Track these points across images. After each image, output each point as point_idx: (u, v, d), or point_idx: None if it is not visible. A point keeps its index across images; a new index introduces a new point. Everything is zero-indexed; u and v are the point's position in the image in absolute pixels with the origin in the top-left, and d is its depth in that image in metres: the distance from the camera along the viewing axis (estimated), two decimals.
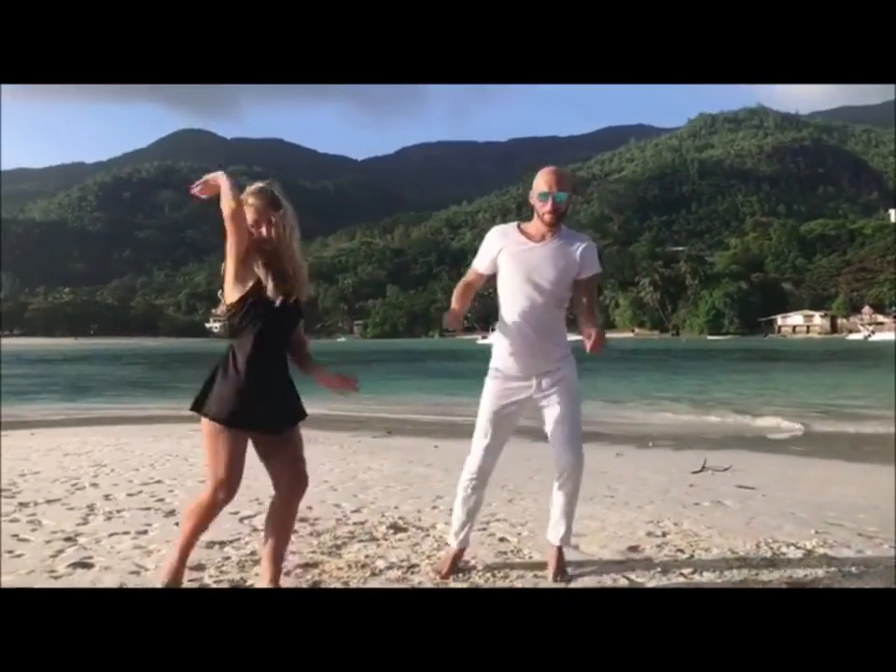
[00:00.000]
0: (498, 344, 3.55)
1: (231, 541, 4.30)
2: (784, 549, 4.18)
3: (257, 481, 6.36)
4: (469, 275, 3.61)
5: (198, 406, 3.05)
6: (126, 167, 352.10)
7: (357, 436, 10.72)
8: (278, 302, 3.01)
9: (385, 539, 4.38)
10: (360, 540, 4.34)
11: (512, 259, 3.44)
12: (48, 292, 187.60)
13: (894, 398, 15.00)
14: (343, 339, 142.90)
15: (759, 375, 28.85)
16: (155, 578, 3.43)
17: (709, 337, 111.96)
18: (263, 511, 5.17)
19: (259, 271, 3.02)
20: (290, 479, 3.26)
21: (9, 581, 3.49)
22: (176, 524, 4.71)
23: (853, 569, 3.78)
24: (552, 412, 3.50)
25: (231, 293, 3.06)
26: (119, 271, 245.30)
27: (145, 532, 4.50)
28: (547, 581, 3.56)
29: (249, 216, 3.03)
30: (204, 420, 3.05)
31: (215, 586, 3.52)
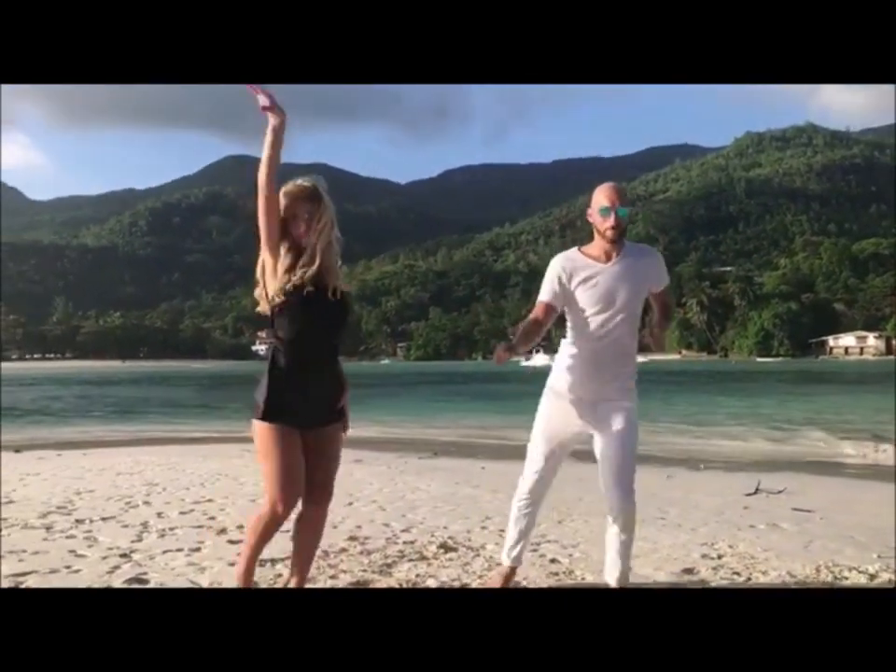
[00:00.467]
0: (562, 366, 3.41)
1: (283, 559, 4.31)
2: (846, 573, 4.06)
3: None
4: (538, 312, 3.35)
5: (257, 413, 3.01)
6: (175, 193, 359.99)
7: (403, 457, 10.72)
8: (315, 295, 2.94)
9: (436, 559, 4.36)
10: (410, 560, 4.33)
11: (584, 285, 3.29)
12: (99, 316, 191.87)
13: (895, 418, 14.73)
14: (386, 361, 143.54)
15: (818, 397, 28.22)
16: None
17: (759, 359, 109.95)
18: None
19: (287, 261, 2.97)
20: (322, 482, 3.15)
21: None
22: (229, 541, 4.76)
23: None
24: (606, 443, 3.33)
25: (271, 286, 3.00)
26: (168, 294, 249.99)
27: (198, 549, 4.55)
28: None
29: (283, 206, 2.97)
30: (259, 426, 3.01)
31: None
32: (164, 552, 4.46)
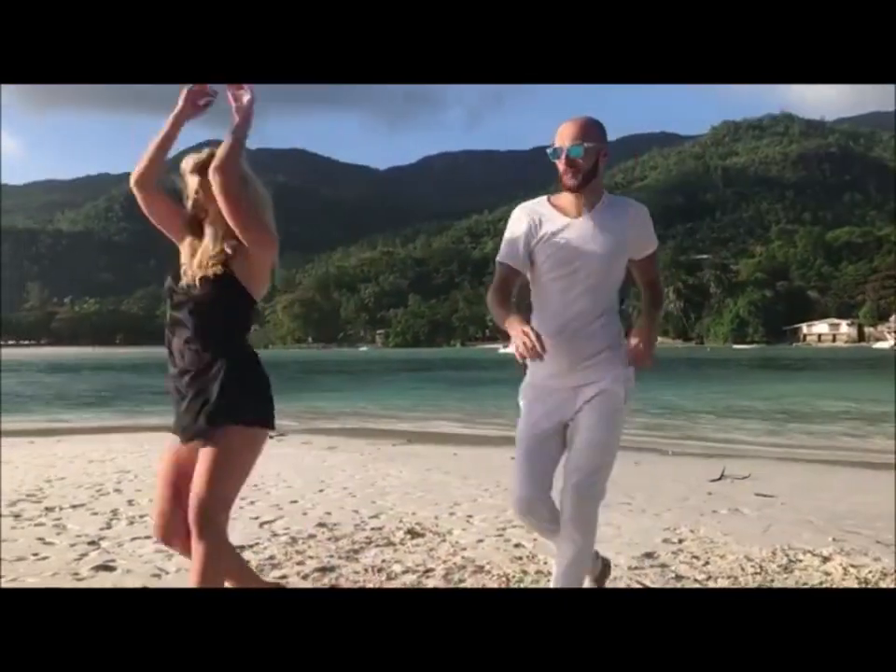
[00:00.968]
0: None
1: (251, 546, 4.37)
2: (801, 556, 4.18)
3: (276, 487, 6.48)
4: (499, 277, 2.77)
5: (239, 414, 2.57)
6: None
7: (376, 444, 10.78)
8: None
9: (402, 544, 4.43)
10: (377, 545, 4.39)
11: (547, 242, 2.70)
12: (74, 302, 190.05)
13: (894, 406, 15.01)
14: (364, 348, 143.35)
15: (787, 384, 28.61)
16: (176, 581, 3.50)
17: (734, 346, 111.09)
18: (283, 515, 5.26)
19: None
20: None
21: (34, 583, 3.58)
22: None
23: (869, 576, 3.78)
24: (573, 434, 2.78)
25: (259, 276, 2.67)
26: (144, 280, 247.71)
27: None
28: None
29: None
30: (242, 431, 2.58)
31: None
32: (133, 539, 4.49)
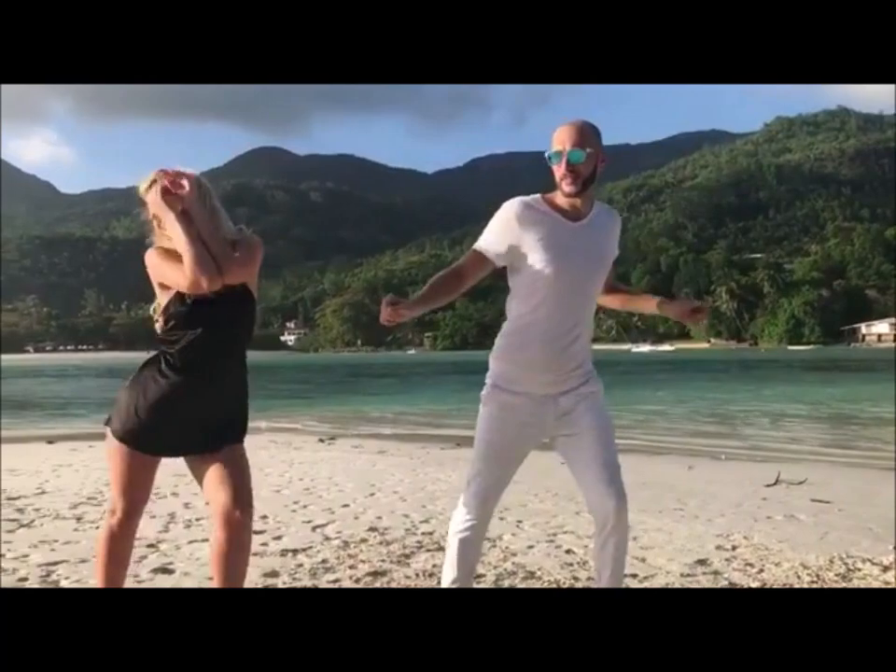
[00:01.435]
0: (506, 354, 2.73)
1: (304, 549, 4.44)
2: (859, 564, 4.10)
3: (328, 491, 6.56)
4: (465, 262, 2.69)
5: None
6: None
7: (425, 447, 10.83)
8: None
9: None
10: (428, 550, 4.42)
11: (542, 243, 2.59)
12: (130, 308, 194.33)
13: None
14: (412, 351, 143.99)
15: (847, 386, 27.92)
16: None
17: (789, 347, 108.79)
18: (335, 519, 5.33)
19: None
20: None
21: (97, 585, 3.69)
22: (253, 531, 4.89)
23: None
24: (579, 442, 2.69)
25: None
26: None
27: None
28: None
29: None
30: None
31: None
32: (190, 542, 4.60)
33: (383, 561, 4.18)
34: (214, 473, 2.69)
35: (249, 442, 2.89)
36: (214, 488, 2.69)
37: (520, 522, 5.28)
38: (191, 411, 2.67)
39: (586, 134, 2.59)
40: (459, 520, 2.84)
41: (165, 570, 3.99)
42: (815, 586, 3.70)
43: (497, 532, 4.93)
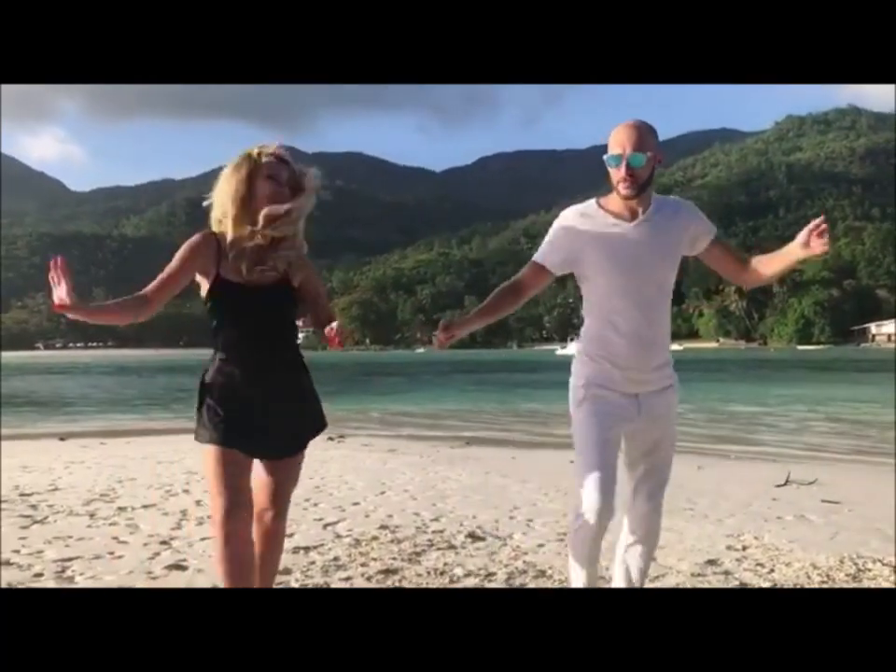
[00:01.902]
0: (592, 355, 2.73)
1: (316, 547, 4.46)
2: (869, 564, 4.10)
3: (338, 489, 6.59)
4: (525, 274, 2.76)
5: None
6: (213, 182, 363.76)
7: (435, 446, 10.85)
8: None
9: (463, 548, 4.47)
10: (439, 548, 4.45)
11: (601, 247, 2.63)
12: None
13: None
14: (421, 350, 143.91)
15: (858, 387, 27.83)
16: None
17: (799, 346, 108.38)
18: (346, 517, 5.36)
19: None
20: None
21: (112, 581, 3.73)
22: None
23: None
24: (643, 444, 2.76)
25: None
26: None
27: None
28: None
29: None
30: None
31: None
32: (202, 539, 4.63)
33: (394, 559, 4.20)
34: (268, 474, 2.74)
35: None
36: (258, 489, 2.72)
37: (530, 521, 5.30)
38: (255, 402, 2.64)
39: (645, 137, 2.58)
40: (578, 522, 2.70)
41: (178, 567, 4.03)
42: (825, 586, 3.70)
43: (507, 531, 4.95)
